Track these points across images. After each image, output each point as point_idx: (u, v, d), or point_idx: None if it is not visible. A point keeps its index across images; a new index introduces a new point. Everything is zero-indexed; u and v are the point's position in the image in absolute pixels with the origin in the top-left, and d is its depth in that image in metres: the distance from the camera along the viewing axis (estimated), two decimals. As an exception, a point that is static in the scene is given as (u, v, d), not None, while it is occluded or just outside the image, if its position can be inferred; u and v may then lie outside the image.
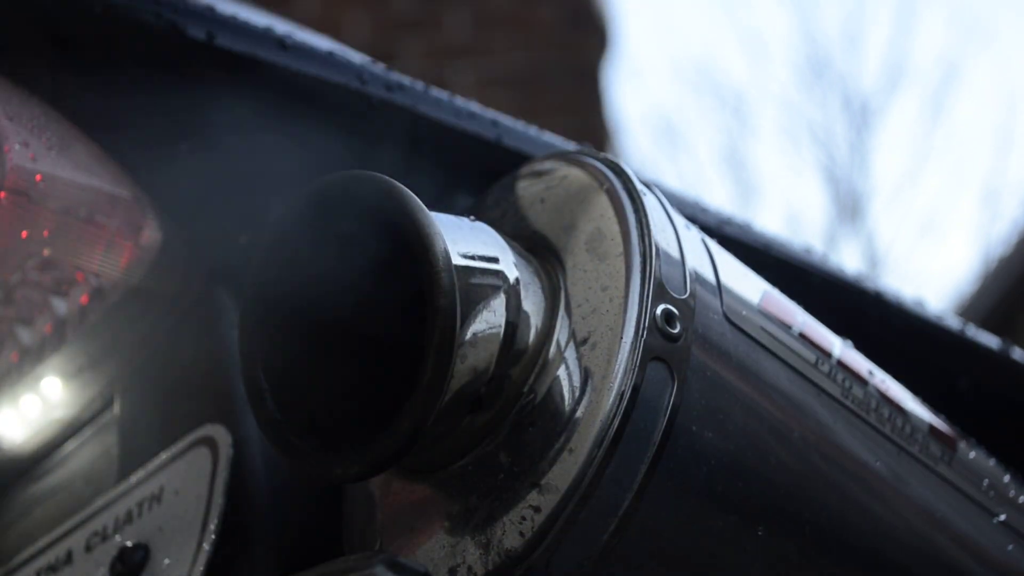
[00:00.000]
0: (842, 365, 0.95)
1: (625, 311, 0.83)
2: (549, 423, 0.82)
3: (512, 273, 0.85)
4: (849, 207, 13.62)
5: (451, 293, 0.77)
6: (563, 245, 0.89)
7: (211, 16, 0.98)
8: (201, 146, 1.03)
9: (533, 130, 1.12)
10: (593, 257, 0.87)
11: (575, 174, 0.93)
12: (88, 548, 1.03)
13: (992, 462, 1.08)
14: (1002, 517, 1.04)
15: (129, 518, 1.01)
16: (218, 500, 0.95)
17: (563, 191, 0.92)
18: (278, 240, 0.85)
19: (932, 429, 1.01)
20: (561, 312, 0.86)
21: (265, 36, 1.00)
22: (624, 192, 0.89)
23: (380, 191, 0.80)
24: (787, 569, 0.90)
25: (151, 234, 1.03)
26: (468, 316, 0.81)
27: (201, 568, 0.93)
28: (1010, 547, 1.04)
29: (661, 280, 0.84)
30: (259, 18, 1.04)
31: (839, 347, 0.97)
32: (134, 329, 1.09)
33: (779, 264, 1.22)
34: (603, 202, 0.89)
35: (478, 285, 0.83)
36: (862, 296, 1.30)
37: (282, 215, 0.85)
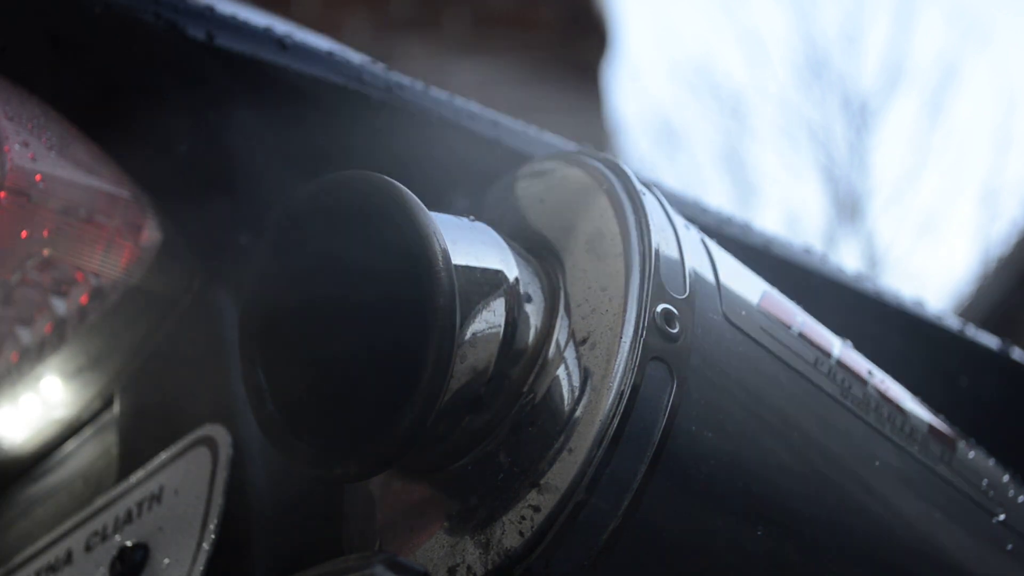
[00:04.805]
0: (841, 365, 0.95)
1: (624, 311, 0.83)
2: (549, 423, 0.82)
3: (512, 273, 0.85)
4: (848, 207, 13.62)
5: (450, 293, 0.77)
6: (563, 245, 0.89)
7: (211, 16, 0.98)
8: (201, 146, 1.03)
9: (533, 130, 1.12)
10: (593, 257, 0.87)
11: (575, 174, 0.93)
12: (88, 548, 1.03)
13: (991, 462, 1.08)
14: (1001, 517, 1.04)
15: (129, 518, 1.01)
16: (218, 500, 0.95)
17: (563, 191, 0.92)
18: (278, 240, 0.85)
19: (931, 429, 1.01)
20: (561, 312, 0.86)
21: (265, 36, 1.00)
22: (623, 192, 0.89)
23: (380, 191, 0.80)
24: (787, 569, 0.90)
25: (151, 234, 1.03)
26: (468, 316, 0.81)
27: (201, 568, 0.93)
28: (1009, 547, 1.04)
29: (660, 280, 0.84)
30: (259, 18, 1.04)
31: (838, 347, 0.97)
32: (134, 329, 1.09)
33: (779, 264, 1.22)
34: (602, 202, 0.89)
35: (477, 285, 0.83)
36: (862, 296, 1.30)
37: (282, 215, 0.85)
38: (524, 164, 0.99)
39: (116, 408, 1.11)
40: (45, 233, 0.97)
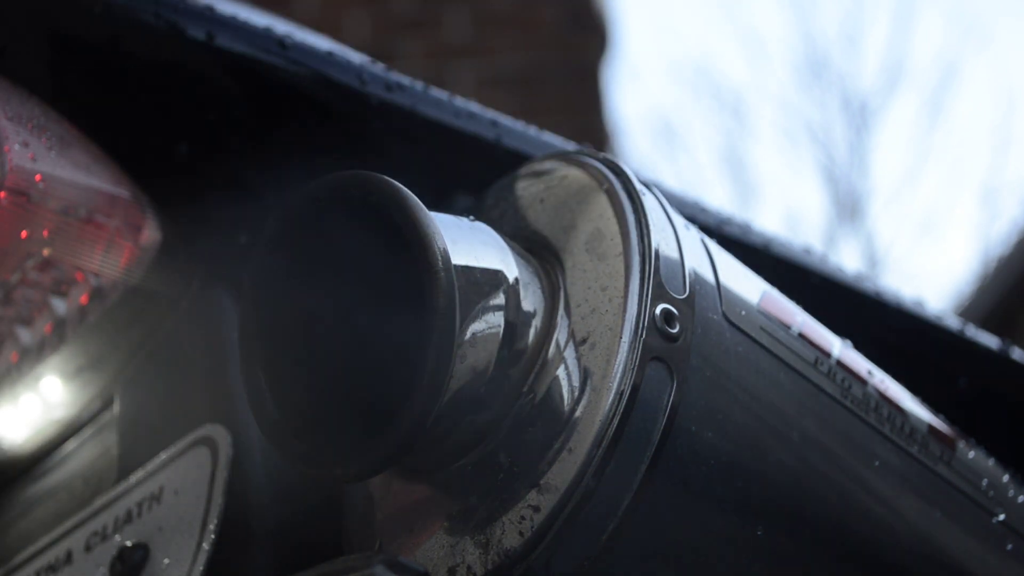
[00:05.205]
0: (841, 365, 0.95)
1: (624, 311, 0.83)
2: (548, 423, 0.82)
3: (512, 273, 0.85)
4: (848, 207, 13.64)
5: (450, 293, 0.77)
6: (563, 245, 0.89)
7: (211, 16, 0.98)
8: (201, 146, 1.03)
9: (533, 130, 1.12)
10: (592, 257, 0.87)
11: (575, 174, 0.93)
12: (88, 548, 1.03)
13: (991, 462, 1.08)
14: (1001, 517, 1.04)
15: (129, 518, 1.01)
16: (218, 500, 0.95)
17: (563, 191, 0.92)
18: (277, 240, 0.85)
19: (931, 429, 1.01)
20: (560, 312, 0.86)
21: (265, 36, 1.00)
22: (623, 192, 0.89)
23: (380, 191, 0.80)
24: (786, 569, 0.90)
25: (151, 234, 1.03)
26: (467, 316, 0.81)
27: (201, 568, 0.93)
28: (1009, 547, 1.04)
29: (660, 280, 0.84)
30: (259, 18, 1.04)
31: (838, 347, 0.97)
32: (134, 329, 1.09)
33: (778, 264, 1.22)
34: (602, 202, 0.89)
35: (477, 285, 0.83)
36: (862, 296, 1.30)
37: (281, 215, 0.85)
38: (524, 164, 0.99)
39: (116, 408, 1.11)
40: (45, 233, 0.97)
